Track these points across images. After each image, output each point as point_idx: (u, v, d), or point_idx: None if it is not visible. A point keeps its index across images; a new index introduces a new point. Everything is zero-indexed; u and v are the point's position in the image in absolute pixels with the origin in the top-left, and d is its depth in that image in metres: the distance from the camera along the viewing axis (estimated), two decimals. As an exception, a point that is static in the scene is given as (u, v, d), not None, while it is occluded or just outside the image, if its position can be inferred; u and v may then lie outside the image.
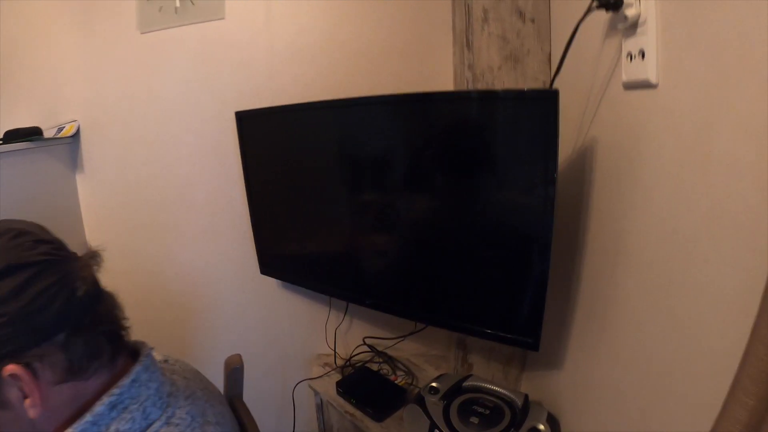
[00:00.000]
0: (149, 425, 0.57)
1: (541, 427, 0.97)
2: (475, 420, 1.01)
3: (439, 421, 1.01)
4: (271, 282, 1.49)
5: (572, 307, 0.97)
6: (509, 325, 0.97)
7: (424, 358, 1.45)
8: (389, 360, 1.41)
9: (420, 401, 1.07)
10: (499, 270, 1.00)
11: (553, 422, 1.01)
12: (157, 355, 0.75)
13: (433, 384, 1.12)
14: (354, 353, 1.44)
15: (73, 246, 0.62)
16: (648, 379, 0.73)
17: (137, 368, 0.59)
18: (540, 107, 0.83)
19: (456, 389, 1.11)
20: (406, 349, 1.45)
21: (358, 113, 1.16)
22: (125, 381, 0.57)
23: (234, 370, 0.85)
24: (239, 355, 0.89)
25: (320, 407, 1.40)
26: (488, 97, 0.97)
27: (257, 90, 1.37)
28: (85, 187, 1.60)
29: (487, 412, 1.03)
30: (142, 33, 1.47)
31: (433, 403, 1.06)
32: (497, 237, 0.99)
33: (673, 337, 0.66)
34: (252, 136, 1.35)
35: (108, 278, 0.60)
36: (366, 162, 1.18)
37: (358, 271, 1.29)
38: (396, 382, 1.31)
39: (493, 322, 0.99)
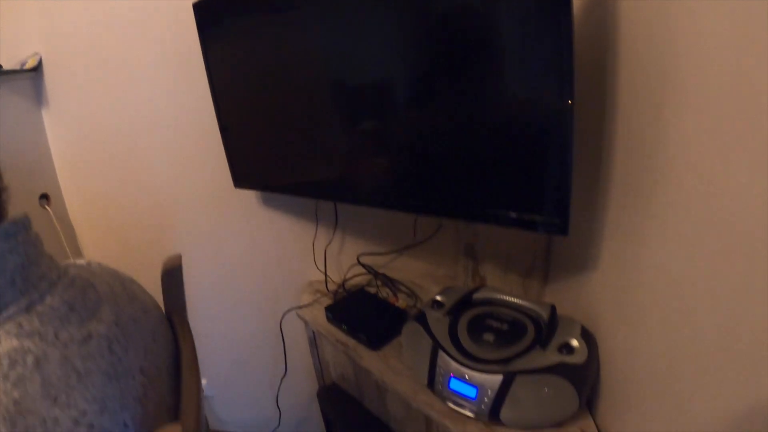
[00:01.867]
0: None
1: (575, 342, 0.76)
2: (489, 337, 0.80)
3: (445, 341, 0.81)
4: (251, 203, 1.28)
5: (606, 183, 0.73)
6: (529, 205, 0.73)
7: (430, 279, 1.24)
8: (389, 282, 1.21)
9: (421, 318, 0.87)
10: (511, 142, 0.75)
11: (587, 337, 0.79)
12: (81, 261, 0.59)
13: (437, 297, 0.91)
14: (348, 277, 1.25)
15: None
16: (715, 264, 0.49)
17: None
18: None
19: (465, 302, 0.90)
20: (409, 270, 1.24)
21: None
22: None
23: (169, 273, 0.65)
24: (178, 256, 0.68)
25: (313, 341, 1.22)
26: None
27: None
28: (51, 120, 1.43)
29: (505, 326, 0.82)
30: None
31: (437, 319, 0.86)
32: (505, 102, 0.73)
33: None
34: (215, 30, 1.09)
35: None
36: (354, 46, 0.91)
37: (346, 164, 1.02)
38: (396, 304, 1.11)
39: (508, 204, 0.75)
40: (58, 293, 0.47)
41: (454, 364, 0.77)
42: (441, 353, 0.79)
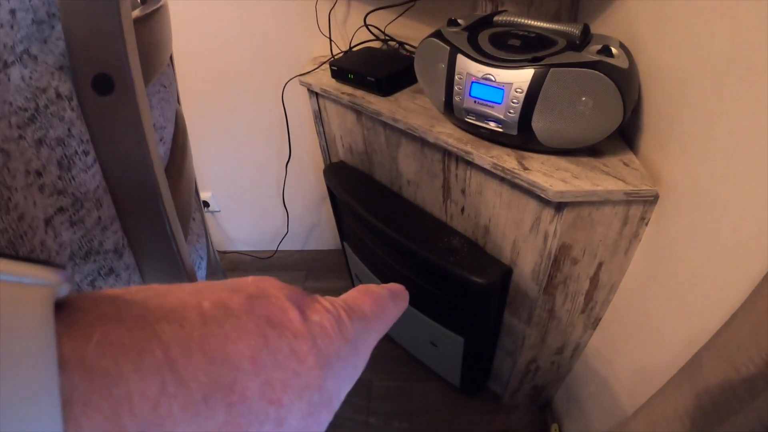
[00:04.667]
0: None
1: (614, 49, 0.67)
2: (515, 42, 0.71)
3: (464, 47, 0.72)
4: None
5: None
6: None
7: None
8: (401, 46, 1.10)
9: (436, 34, 0.78)
10: None
11: (627, 51, 0.70)
12: None
13: (454, 18, 0.81)
14: (354, 43, 1.13)
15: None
16: None
17: None
18: None
19: (485, 22, 0.80)
20: (422, 32, 1.12)
21: None
22: None
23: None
24: None
25: (318, 114, 1.15)
26: None
27: None
28: None
29: (533, 35, 0.73)
30: None
31: (454, 32, 0.76)
32: None
33: None
34: None
35: None
36: None
37: None
38: (408, 55, 1.02)
39: None
40: None
41: (475, 66, 0.69)
42: (460, 57, 0.71)
